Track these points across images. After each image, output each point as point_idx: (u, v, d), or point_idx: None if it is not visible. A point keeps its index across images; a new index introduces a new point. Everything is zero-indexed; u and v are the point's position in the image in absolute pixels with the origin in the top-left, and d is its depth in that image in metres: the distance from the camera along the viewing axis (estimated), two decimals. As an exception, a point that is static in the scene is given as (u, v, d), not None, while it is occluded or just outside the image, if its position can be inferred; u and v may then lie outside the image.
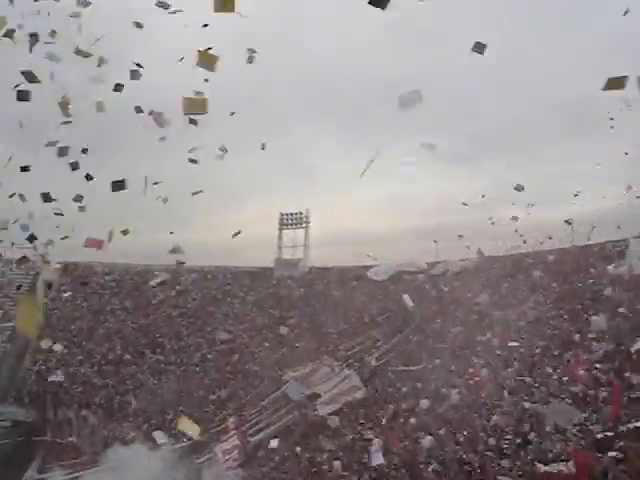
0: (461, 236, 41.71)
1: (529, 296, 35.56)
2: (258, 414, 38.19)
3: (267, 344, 47.84)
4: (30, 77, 18.74)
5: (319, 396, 36.55)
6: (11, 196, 26.77)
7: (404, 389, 32.64)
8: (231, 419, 37.87)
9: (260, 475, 30.06)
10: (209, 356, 48.61)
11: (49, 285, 56.42)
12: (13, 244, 54.61)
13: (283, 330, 47.10)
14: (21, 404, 45.21)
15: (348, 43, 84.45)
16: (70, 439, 39.93)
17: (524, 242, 41.73)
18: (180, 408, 42.20)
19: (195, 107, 16.16)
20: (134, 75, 21.01)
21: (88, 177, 23.98)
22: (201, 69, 14.73)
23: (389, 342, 41.62)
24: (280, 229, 58.08)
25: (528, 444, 17.57)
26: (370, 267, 52.54)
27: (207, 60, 14.56)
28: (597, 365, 22.15)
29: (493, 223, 42.77)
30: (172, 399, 43.20)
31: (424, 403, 28.39)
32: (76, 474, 32.81)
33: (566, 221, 39.74)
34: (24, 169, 23.04)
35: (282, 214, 57.83)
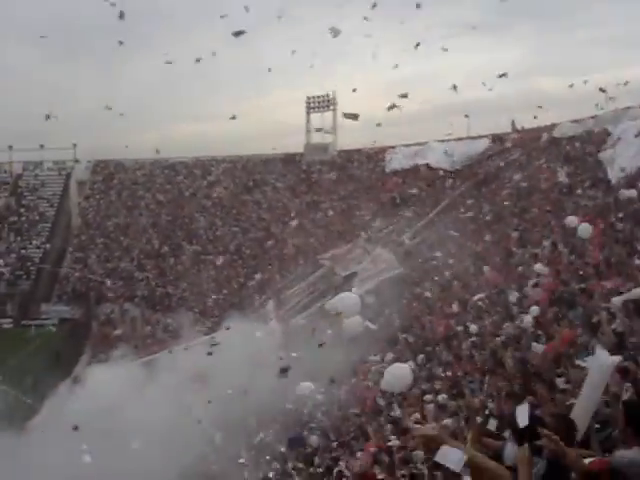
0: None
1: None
2: (296, 297, 38.86)
3: (301, 229, 48.30)
4: None
5: (355, 276, 36.96)
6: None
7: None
8: (270, 302, 38.57)
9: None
10: (245, 244, 49.33)
11: (81, 184, 56.94)
12: (42, 146, 54.99)
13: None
14: (65, 302, 46.57)
15: None
16: (116, 332, 41.05)
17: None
18: (221, 295, 43.30)
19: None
20: None
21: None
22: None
23: (422, 220, 41.60)
24: (308, 113, 57.13)
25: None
26: (395, 147, 51.75)
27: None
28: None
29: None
30: (212, 287, 44.16)
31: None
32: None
33: (600, 89, 37.93)
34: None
35: (308, 97, 56.72)
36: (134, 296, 46.14)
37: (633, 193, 18.65)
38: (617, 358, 6.93)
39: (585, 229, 19.97)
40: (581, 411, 6.15)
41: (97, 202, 55.31)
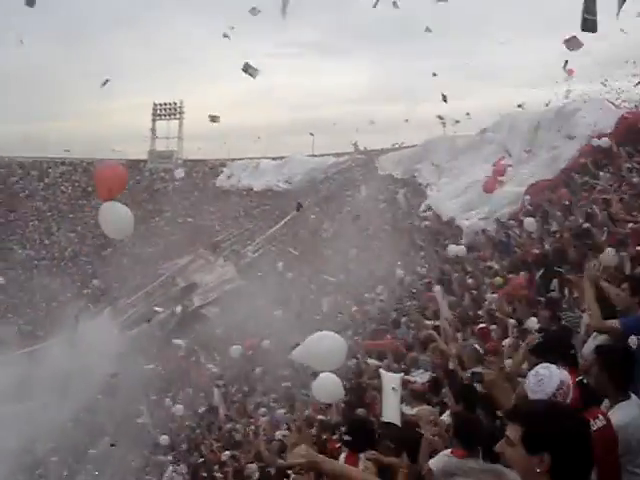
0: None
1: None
2: (133, 306, 38.21)
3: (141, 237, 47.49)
4: None
5: (196, 287, 36.90)
6: None
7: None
8: (107, 310, 37.73)
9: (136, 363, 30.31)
10: (82, 250, 47.80)
11: None
12: None
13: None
14: None
15: None
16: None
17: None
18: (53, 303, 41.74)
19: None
20: None
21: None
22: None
23: (265, 234, 42.05)
24: (153, 120, 56.40)
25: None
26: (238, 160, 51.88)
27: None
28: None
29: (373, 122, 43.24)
30: (44, 294, 42.46)
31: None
32: None
33: (438, 116, 39.87)
34: None
35: (155, 104, 56.02)
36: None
37: (462, 250, 19.48)
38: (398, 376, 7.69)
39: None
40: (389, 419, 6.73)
41: None
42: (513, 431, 2.51)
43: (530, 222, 16.71)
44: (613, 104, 25.04)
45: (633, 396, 4.43)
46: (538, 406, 2.81)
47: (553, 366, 4.15)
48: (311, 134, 48.64)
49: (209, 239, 43.60)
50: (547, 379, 3.95)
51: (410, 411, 7.93)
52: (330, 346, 6.20)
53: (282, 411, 14.64)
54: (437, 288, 12.81)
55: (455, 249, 19.19)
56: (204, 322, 33.00)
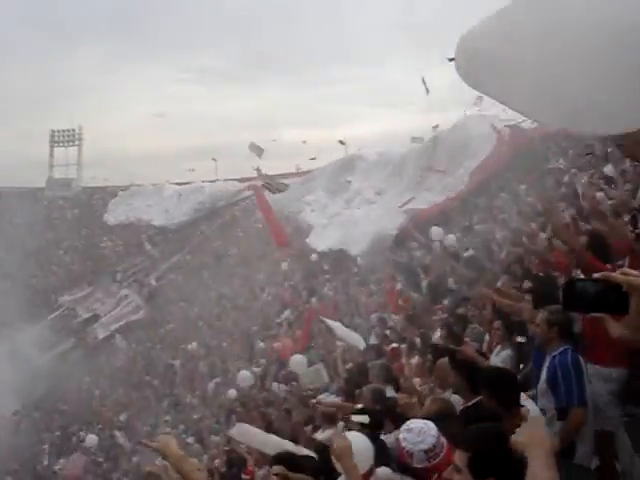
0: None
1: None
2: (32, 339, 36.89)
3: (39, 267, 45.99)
4: None
5: (98, 318, 36.02)
6: None
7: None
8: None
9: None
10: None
11: None
12: None
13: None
14: None
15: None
16: None
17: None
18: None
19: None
20: None
21: None
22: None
23: (168, 262, 41.48)
24: (51, 146, 54.91)
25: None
26: (139, 186, 50.66)
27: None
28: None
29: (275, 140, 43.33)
30: None
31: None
32: None
33: (340, 141, 40.58)
34: None
35: (53, 130, 54.57)
36: None
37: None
38: None
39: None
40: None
41: None
42: (460, 457, 2.54)
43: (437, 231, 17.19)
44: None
45: None
46: (484, 432, 2.81)
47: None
48: (214, 159, 48.47)
49: (110, 268, 42.64)
50: (425, 427, 3.95)
51: (321, 435, 7.93)
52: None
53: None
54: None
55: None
56: (108, 354, 32.20)
